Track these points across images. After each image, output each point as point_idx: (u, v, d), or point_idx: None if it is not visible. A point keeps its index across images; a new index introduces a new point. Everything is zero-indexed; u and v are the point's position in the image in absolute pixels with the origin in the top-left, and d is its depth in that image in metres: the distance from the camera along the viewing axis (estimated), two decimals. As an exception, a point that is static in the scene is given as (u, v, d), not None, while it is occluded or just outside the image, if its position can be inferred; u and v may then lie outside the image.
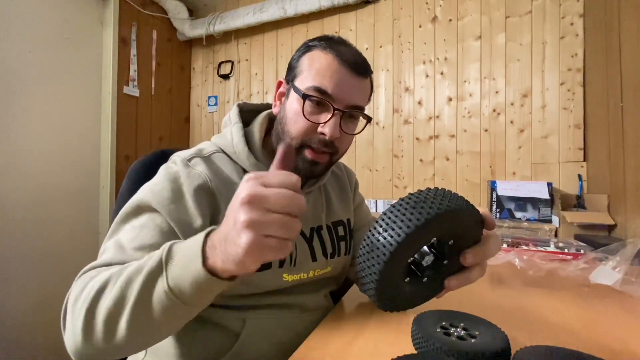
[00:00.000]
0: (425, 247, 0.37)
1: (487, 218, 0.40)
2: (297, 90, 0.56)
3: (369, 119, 0.61)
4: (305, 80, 0.56)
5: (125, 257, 0.44)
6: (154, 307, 0.36)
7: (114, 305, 0.36)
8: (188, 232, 0.49)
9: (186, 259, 0.35)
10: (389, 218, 0.32)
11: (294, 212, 0.31)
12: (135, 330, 0.37)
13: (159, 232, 0.48)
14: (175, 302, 0.35)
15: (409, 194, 0.33)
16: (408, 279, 0.37)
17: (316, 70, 0.55)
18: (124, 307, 0.36)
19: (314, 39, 0.60)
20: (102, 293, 0.38)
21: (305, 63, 0.57)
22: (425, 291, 0.39)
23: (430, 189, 0.34)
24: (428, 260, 0.37)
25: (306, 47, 0.59)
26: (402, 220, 0.31)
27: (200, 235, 0.36)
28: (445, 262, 0.37)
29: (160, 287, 0.35)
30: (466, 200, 0.35)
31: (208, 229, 0.36)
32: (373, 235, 0.32)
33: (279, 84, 0.63)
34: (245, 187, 0.31)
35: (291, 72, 0.60)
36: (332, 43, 0.57)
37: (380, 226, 0.32)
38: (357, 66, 0.56)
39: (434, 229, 0.32)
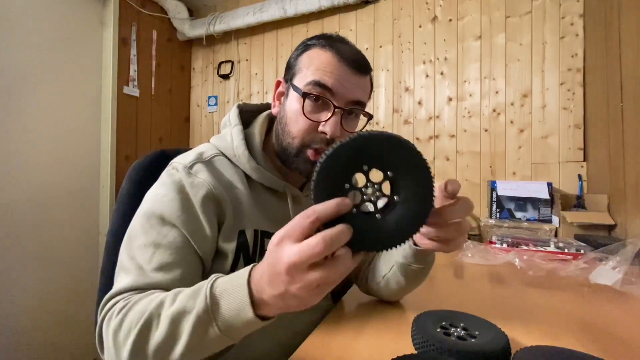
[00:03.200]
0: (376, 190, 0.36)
1: (447, 183, 0.38)
2: (296, 88, 0.56)
3: (370, 117, 0.60)
4: (304, 78, 0.55)
5: (147, 279, 0.46)
6: (205, 345, 0.38)
7: (164, 343, 0.38)
8: (200, 241, 0.51)
9: (236, 309, 0.37)
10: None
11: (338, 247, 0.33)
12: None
13: (174, 249, 0.49)
14: (227, 340, 0.38)
15: None
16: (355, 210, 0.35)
17: (316, 66, 0.54)
18: (175, 345, 0.38)
19: (312, 38, 0.59)
20: (149, 330, 0.39)
21: (305, 61, 0.57)
22: (389, 231, 0.35)
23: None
24: (371, 193, 0.36)
25: (304, 46, 0.59)
26: (332, 147, 0.33)
27: (243, 287, 0.37)
28: (398, 201, 0.35)
29: (212, 332, 0.37)
30: (406, 139, 0.35)
31: (246, 277, 0.37)
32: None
33: (278, 84, 0.63)
34: (283, 256, 0.32)
35: (290, 71, 0.59)
36: (330, 41, 0.57)
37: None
38: (357, 63, 0.56)
39: (364, 155, 0.34)
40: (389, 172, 0.35)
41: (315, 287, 0.33)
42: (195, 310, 0.38)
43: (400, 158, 0.35)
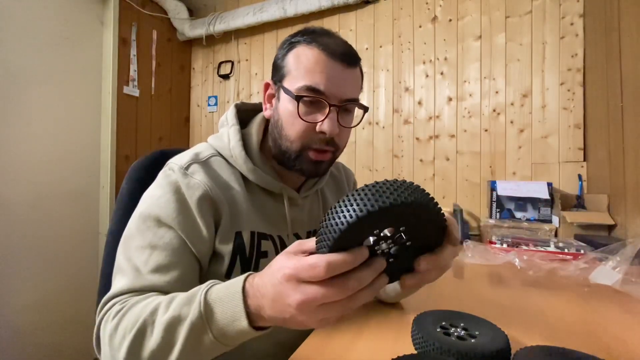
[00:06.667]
0: (385, 239, 0.35)
1: (450, 230, 0.36)
2: (288, 91, 0.54)
3: (365, 109, 0.59)
4: (295, 80, 0.54)
5: (144, 281, 0.46)
6: (200, 352, 0.38)
7: (159, 350, 0.38)
8: (197, 242, 0.51)
9: (230, 317, 0.36)
10: (347, 201, 0.31)
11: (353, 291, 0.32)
12: None
13: (171, 251, 0.49)
14: (222, 347, 0.38)
15: (375, 181, 0.32)
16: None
17: (305, 67, 0.53)
18: (171, 352, 0.38)
19: (295, 35, 0.57)
20: (143, 336, 0.39)
21: (292, 61, 0.55)
22: (399, 270, 0.37)
23: (398, 180, 0.33)
24: (385, 248, 0.35)
25: (289, 44, 0.57)
26: (357, 204, 0.30)
27: (238, 296, 0.36)
28: (406, 246, 0.35)
29: (207, 339, 0.37)
30: (431, 199, 0.33)
31: (240, 286, 0.37)
32: (329, 215, 0.32)
33: (267, 86, 0.61)
34: (295, 292, 0.32)
35: (278, 72, 0.58)
36: (315, 36, 0.55)
37: (338, 207, 0.32)
38: (346, 57, 0.54)
39: (388, 218, 0.32)
40: (402, 227, 0.34)
41: (322, 320, 0.33)
42: (190, 317, 0.37)
43: (421, 217, 0.34)
